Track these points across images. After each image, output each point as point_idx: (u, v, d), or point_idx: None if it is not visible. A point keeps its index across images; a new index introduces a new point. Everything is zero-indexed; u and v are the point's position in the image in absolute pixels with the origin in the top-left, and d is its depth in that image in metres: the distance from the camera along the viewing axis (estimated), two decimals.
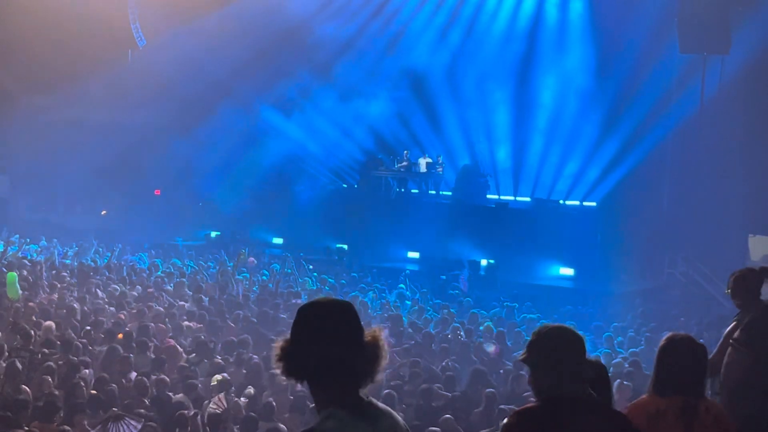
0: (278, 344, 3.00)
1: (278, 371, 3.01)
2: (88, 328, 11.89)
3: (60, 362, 10.07)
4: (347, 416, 2.92)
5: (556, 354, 3.77)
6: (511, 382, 9.84)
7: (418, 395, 9.37)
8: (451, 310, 15.08)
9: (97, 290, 14.86)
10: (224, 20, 24.92)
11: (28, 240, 20.51)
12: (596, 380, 4.13)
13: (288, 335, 3.02)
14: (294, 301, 14.76)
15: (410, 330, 12.96)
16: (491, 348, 12.09)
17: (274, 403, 8.77)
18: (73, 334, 11.36)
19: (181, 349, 11.01)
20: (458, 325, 13.43)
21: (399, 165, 24.58)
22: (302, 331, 2.98)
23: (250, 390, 9.40)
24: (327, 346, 2.92)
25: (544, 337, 3.86)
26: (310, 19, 25.46)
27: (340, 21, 26.00)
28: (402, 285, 17.72)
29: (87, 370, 9.89)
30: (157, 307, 13.62)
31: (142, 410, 8.52)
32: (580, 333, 3.92)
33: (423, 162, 24.48)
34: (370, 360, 2.97)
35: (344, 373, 2.93)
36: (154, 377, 9.51)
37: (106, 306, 13.72)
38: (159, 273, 17.50)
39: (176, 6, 24.55)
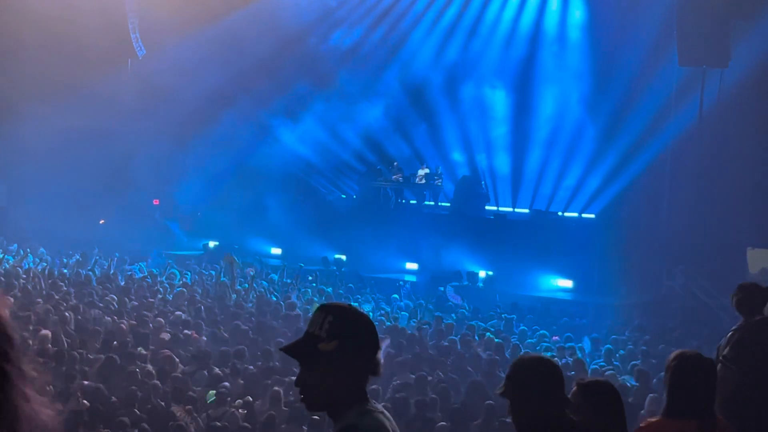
0: (329, 346, 3.00)
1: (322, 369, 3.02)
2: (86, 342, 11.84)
3: (56, 372, 10.03)
4: (375, 413, 3.01)
5: (536, 385, 3.76)
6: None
7: (416, 406, 9.32)
8: (449, 321, 15.04)
9: (95, 300, 14.80)
10: (224, 31, 24.93)
11: (28, 249, 20.46)
12: (607, 404, 4.11)
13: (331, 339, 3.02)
14: (290, 311, 14.75)
15: (408, 342, 12.91)
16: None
17: (274, 414, 8.72)
18: (69, 344, 11.31)
19: (177, 360, 10.97)
20: (456, 338, 13.38)
21: (395, 176, 24.62)
22: (355, 330, 3.05)
23: (248, 399, 9.35)
24: (372, 346, 3.06)
25: (524, 368, 3.87)
26: (310, 30, 25.52)
27: (340, 32, 26.07)
28: (396, 295, 17.67)
29: (84, 381, 9.84)
30: (156, 318, 13.58)
31: (136, 421, 8.47)
32: (558, 362, 3.98)
33: (422, 173, 24.51)
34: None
35: (374, 373, 3.08)
36: (150, 387, 9.47)
37: (104, 316, 13.67)
38: (157, 281, 17.48)
39: (176, 16, 24.55)
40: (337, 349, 2.99)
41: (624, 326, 16.00)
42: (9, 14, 24.49)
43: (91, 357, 11.06)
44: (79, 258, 20.00)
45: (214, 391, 9.38)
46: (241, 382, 10.20)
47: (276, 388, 9.47)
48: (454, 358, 12.20)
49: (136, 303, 14.96)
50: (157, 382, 9.64)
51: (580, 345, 13.65)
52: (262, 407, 9.23)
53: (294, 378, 8.77)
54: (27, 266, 18.32)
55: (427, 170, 24.56)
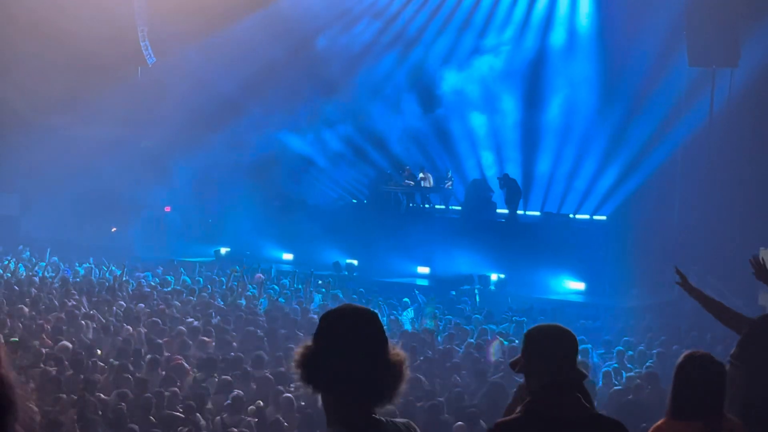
0: (299, 350, 2.85)
1: (296, 377, 2.87)
2: (98, 349, 11.88)
3: (71, 380, 10.09)
4: None
5: (547, 349, 3.72)
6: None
7: (427, 411, 9.30)
8: (465, 326, 14.97)
9: (108, 307, 14.84)
10: (233, 37, 25.03)
11: (36, 257, 20.56)
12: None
13: (308, 341, 2.88)
14: (306, 316, 14.79)
15: (420, 346, 12.90)
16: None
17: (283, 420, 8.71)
18: (84, 353, 11.35)
19: (188, 367, 10.99)
20: (472, 341, 13.35)
21: (406, 181, 24.65)
22: (323, 338, 2.84)
23: (259, 404, 9.34)
24: (345, 357, 2.77)
25: (537, 332, 3.83)
26: (319, 35, 25.55)
27: (349, 36, 26.09)
28: (406, 299, 17.67)
29: (99, 389, 9.87)
30: (167, 324, 13.61)
31: (150, 428, 8.49)
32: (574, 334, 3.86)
33: (421, 176, 24.50)
34: (389, 380, 2.82)
35: (359, 389, 2.79)
36: (166, 394, 9.48)
37: (117, 323, 13.71)
38: (169, 289, 17.53)
39: (185, 23, 24.65)
40: (304, 359, 2.84)
41: (636, 328, 15.93)
42: (20, 27, 24.66)
43: (106, 365, 11.09)
44: (87, 266, 20.07)
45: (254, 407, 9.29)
46: (254, 386, 10.21)
47: (287, 394, 9.47)
48: (467, 362, 12.16)
49: (149, 310, 15.00)
50: (174, 389, 9.65)
51: (589, 347, 13.56)
52: (273, 413, 9.23)
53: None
54: (41, 274, 18.41)
55: (427, 174, 24.60)
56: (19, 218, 26.84)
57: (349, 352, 2.78)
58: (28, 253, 21.53)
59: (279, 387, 9.79)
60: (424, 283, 21.30)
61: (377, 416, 2.87)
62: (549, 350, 3.72)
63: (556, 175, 24.49)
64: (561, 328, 3.82)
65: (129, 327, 13.37)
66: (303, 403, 9.26)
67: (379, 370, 2.79)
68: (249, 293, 17.02)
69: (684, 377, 4.50)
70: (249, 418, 8.94)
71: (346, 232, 23.43)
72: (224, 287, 17.80)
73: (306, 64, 25.61)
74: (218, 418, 9.03)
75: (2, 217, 26.06)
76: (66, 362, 10.75)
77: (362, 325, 2.84)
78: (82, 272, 19.60)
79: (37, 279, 17.70)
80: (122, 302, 15.41)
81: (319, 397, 2.86)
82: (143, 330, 13.23)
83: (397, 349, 2.89)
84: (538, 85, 24.30)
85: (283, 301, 16.77)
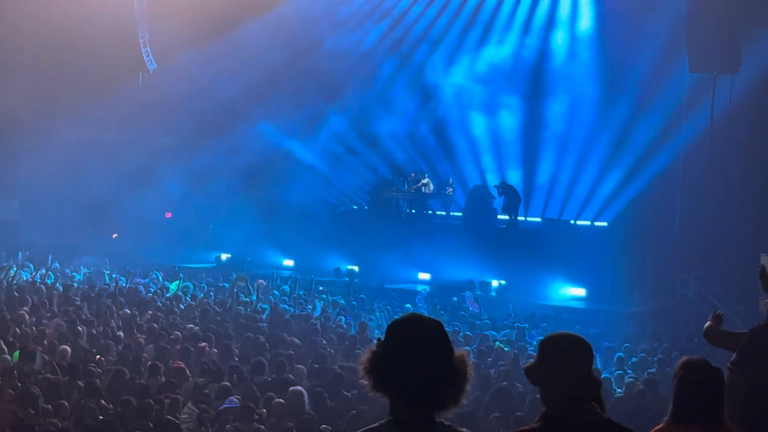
0: (366, 354, 3.02)
1: (362, 379, 3.04)
2: (98, 355, 11.85)
3: (70, 386, 10.07)
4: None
5: (562, 361, 3.69)
6: (528, 404, 9.62)
7: None
8: (468, 332, 14.93)
9: (109, 313, 14.82)
10: (234, 43, 25.04)
11: (37, 263, 20.53)
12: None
13: (373, 347, 3.04)
14: (303, 323, 14.77)
15: None
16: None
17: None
18: (83, 358, 11.33)
19: (189, 372, 10.97)
20: (472, 347, 13.31)
21: (409, 187, 24.65)
22: (390, 344, 3.00)
23: (261, 411, 9.32)
24: (410, 362, 2.92)
25: (551, 343, 3.80)
26: (320, 41, 25.58)
27: (350, 42, 26.09)
28: (408, 305, 17.65)
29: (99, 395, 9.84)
30: (167, 330, 13.59)
31: None
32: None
33: (422, 182, 24.51)
34: (452, 384, 2.97)
35: (420, 392, 2.93)
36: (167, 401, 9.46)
37: (118, 329, 13.69)
38: (169, 295, 17.53)
39: (186, 30, 24.66)
40: (378, 353, 3.01)
41: (637, 334, 15.90)
42: (21, 33, 24.69)
43: (106, 371, 11.05)
44: (89, 272, 20.05)
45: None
46: (258, 394, 10.18)
47: (278, 400, 9.45)
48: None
49: (149, 316, 14.98)
50: (175, 396, 9.63)
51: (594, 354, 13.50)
52: (272, 419, 9.21)
53: (302, 389, 8.59)
54: (40, 280, 18.39)
55: (427, 180, 24.61)
56: (20, 224, 26.80)
57: (413, 358, 2.93)
58: (28, 261, 21.45)
59: (270, 393, 9.77)
60: (425, 288, 21.28)
61: (439, 420, 3.01)
62: (567, 362, 3.70)
63: (557, 181, 24.51)
64: (577, 337, 3.81)
65: (129, 333, 13.36)
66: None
67: (443, 375, 2.94)
68: (247, 299, 17.01)
69: (681, 382, 4.55)
70: (262, 427, 8.89)
71: (347, 238, 23.42)
72: (227, 293, 17.79)
73: (307, 69, 25.61)
74: (229, 426, 8.98)
75: (3, 223, 26.02)
76: (65, 368, 10.73)
77: (427, 332, 3.00)
78: (79, 278, 19.59)
79: (41, 285, 17.66)
80: (126, 309, 15.36)
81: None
82: (143, 336, 13.21)
83: (460, 352, 3.03)
84: (540, 91, 24.33)
85: (283, 306, 16.73)
